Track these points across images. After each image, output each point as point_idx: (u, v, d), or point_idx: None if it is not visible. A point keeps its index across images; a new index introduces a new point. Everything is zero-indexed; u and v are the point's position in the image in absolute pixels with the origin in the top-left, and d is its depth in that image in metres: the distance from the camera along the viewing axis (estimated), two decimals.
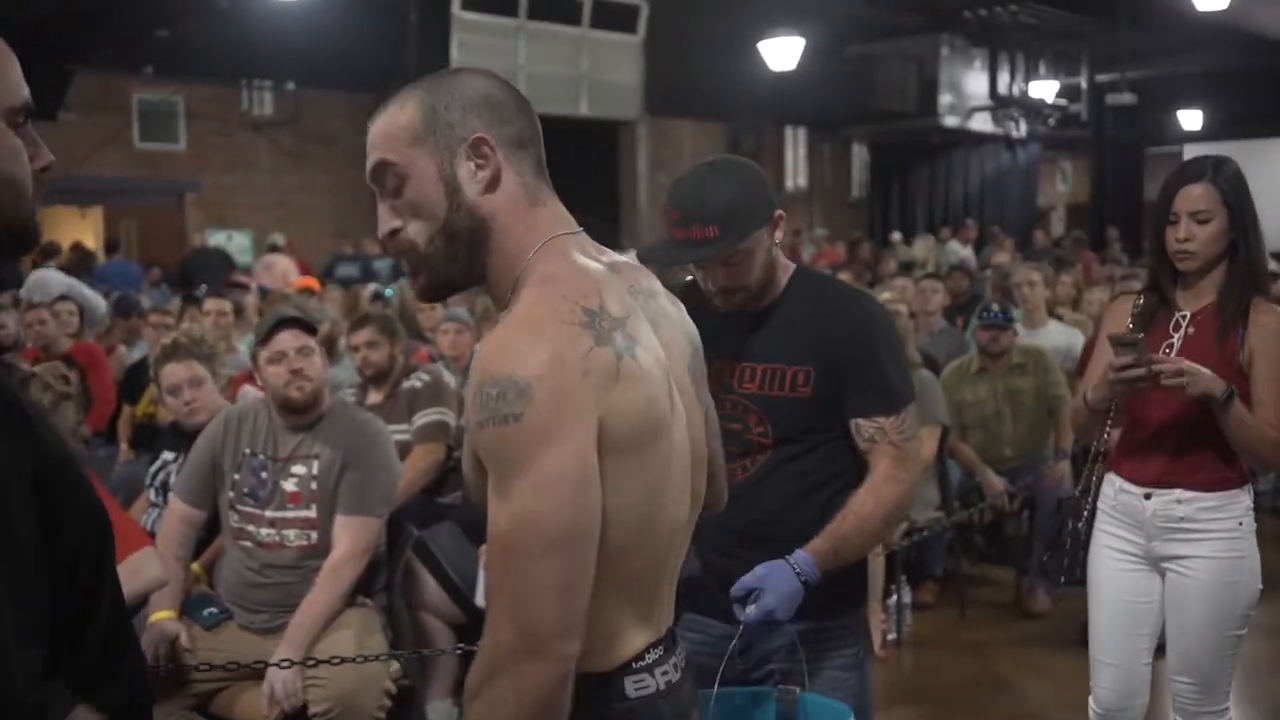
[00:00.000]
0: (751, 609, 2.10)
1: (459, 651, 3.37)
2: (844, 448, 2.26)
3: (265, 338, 3.28)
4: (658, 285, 1.62)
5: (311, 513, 3.26)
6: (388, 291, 7.92)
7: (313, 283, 8.12)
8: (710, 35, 14.85)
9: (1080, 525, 2.82)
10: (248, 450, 3.32)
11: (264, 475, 3.29)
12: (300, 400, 3.25)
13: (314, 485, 3.26)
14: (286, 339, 3.26)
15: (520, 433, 1.32)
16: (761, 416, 2.27)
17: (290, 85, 13.36)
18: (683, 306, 1.66)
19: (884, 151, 19.60)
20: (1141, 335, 2.65)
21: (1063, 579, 2.90)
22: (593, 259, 1.52)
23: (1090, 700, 2.96)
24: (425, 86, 1.51)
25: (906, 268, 9.23)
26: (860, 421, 2.23)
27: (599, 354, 1.37)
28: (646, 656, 1.52)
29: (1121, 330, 2.73)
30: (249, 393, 4.91)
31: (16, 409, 1.08)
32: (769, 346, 2.27)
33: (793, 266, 2.36)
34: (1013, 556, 5.70)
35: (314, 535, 3.25)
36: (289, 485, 3.27)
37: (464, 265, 1.49)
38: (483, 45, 14.47)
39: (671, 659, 1.56)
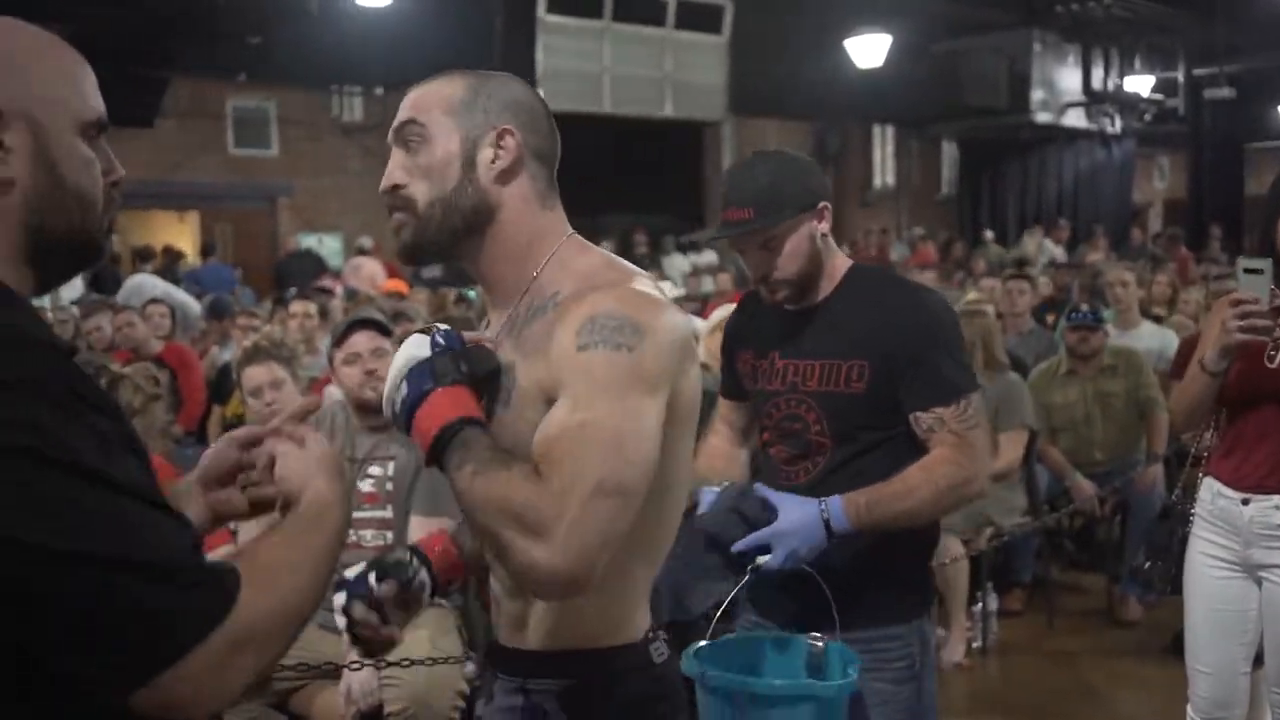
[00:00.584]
0: (773, 555, 2.06)
1: None
2: (906, 449, 2.20)
3: (340, 339, 3.30)
4: None
5: (387, 513, 3.28)
6: (471, 293, 7.97)
7: (401, 285, 8.20)
8: (795, 34, 14.73)
9: (1186, 532, 2.73)
10: None
11: None
12: (375, 401, 3.27)
13: (390, 486, 3.28)
14: (361, 340, 3.28)
15: (631, 363, 1.38)
16: (820, 414, 2.24)
17: (379, 90, 13.52)
18: None
19: (974, 149, 19.26)
20: (1269, 259, 2.52)
21: (1168, 589, 2.81)
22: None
23: (1188, 709, 2.86)
24: (476, 75, 1.57)
25: (1020, 264, 9.06)
26: (919, 414, 2.19)
27: (686, 329, 1.48)
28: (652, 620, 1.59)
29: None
30: (331, 393, 4.97)
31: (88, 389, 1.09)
32: (824, 342, 2.24)
33: (849, 263, 2.33)
34: (1103, 563, 5.55)
35: (390, 536, 3.27)
36: (365, 486, 3.29)
37: (451, 238, 1.54)
38: (567, 47, 14.52)
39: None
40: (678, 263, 13.64)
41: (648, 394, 1.38)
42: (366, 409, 3.30)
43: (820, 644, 2.00)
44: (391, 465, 3.29)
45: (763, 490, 2.14)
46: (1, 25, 1.18)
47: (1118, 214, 19.26)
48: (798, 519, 2.07)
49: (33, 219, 1.16)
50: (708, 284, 11.12)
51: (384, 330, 3.37)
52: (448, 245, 1.55)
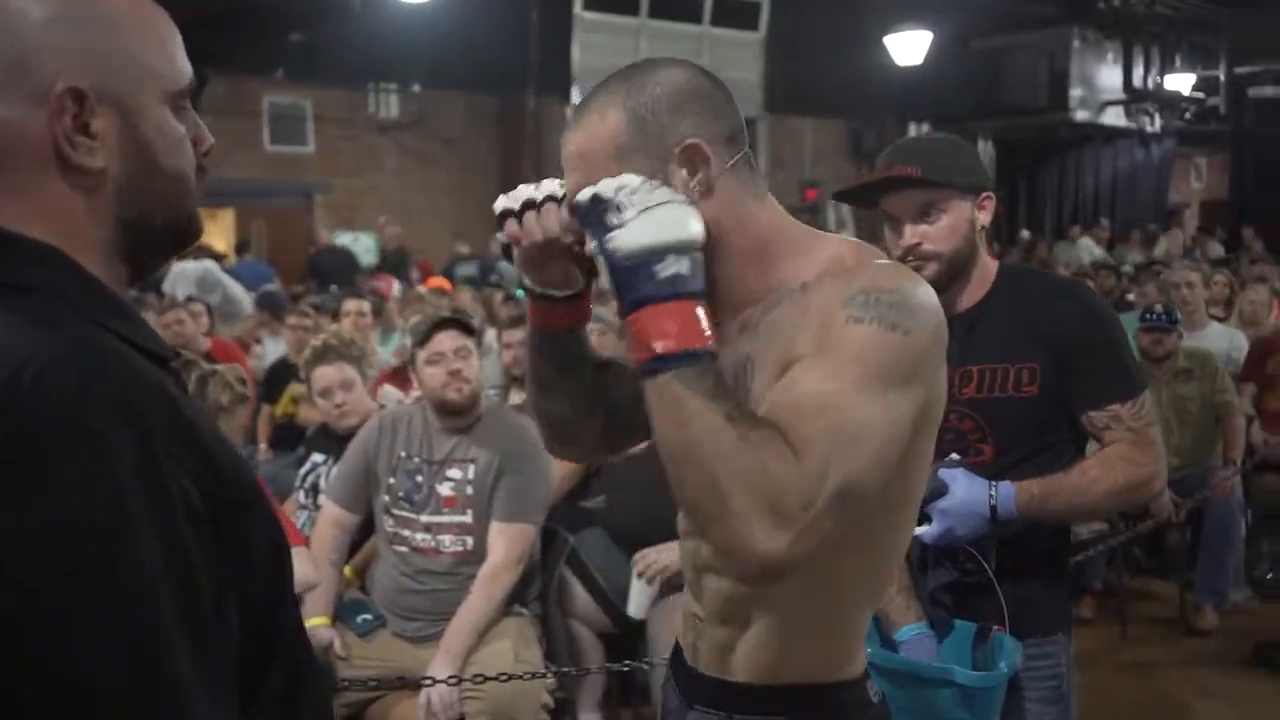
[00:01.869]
0: (931, 526, 1.98)
1: (627, 668, 3.25)
2: (1065, 455, 2.09)
3: (424, 339, 3.21)
4: None
5: (467, 518, 3.18)
6: (519, 292, 7.88)
7: (445, 283, 8.14)
8: (832, 31, 14.60)
9: None
10: (403, 453, 3.25)
11: (419, 479, 3.22)
12: (459, 402, 3.18)
13: (470, 490, 3.18)
14: (445, 340, 3.18)
15: (903, 346, 1.21)
16: (979, 423, 2.11)
17: (416, 87, 13.46)
18: None
19: (1011, 147, 19.05)
20: None
21: None
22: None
23: None
24: (624, 89, 1.33)
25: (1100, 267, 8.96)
26: (1093, 413, 2.06)
27: (945, 327, 1.30)
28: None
29: None
30: (389, 393, 4.89)
31: (180, 420, 0.94)
32: (987, 345, 2.11)
33: (997, 263, 2.21)
34: (1176, 570, 5.40)
35: (469, 541, 3.18)
36: (444, 489, 3.20)
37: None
38: (604, 45, 14.44)
39: None
40: None
41: (911, 385, 1.22)
42: (448, 409, 3.21)
43: (991, 633, 1.94)
44: (472, 469, 3.19)
45: (941, 468, 2.04)
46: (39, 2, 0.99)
47: (1154, 214, 19.05)
48: (963, 497, 1.98)
49: (128, 211, 1.03)
50: None
51: (468, 329, 3.28)
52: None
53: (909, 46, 13.50)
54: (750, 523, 1.13)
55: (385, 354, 5.90)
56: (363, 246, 13.07)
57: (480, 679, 2.91)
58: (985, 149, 19.28)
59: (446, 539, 3.19)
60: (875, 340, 1.20)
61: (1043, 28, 16.56)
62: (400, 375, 5.20)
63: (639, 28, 14.74)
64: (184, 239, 1.10)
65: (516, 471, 3.18)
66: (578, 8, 14.16)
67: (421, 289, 6.98)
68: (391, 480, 3.25)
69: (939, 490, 1.99)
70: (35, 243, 0.98)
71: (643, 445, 1.58)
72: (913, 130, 17.98)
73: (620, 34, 14.59)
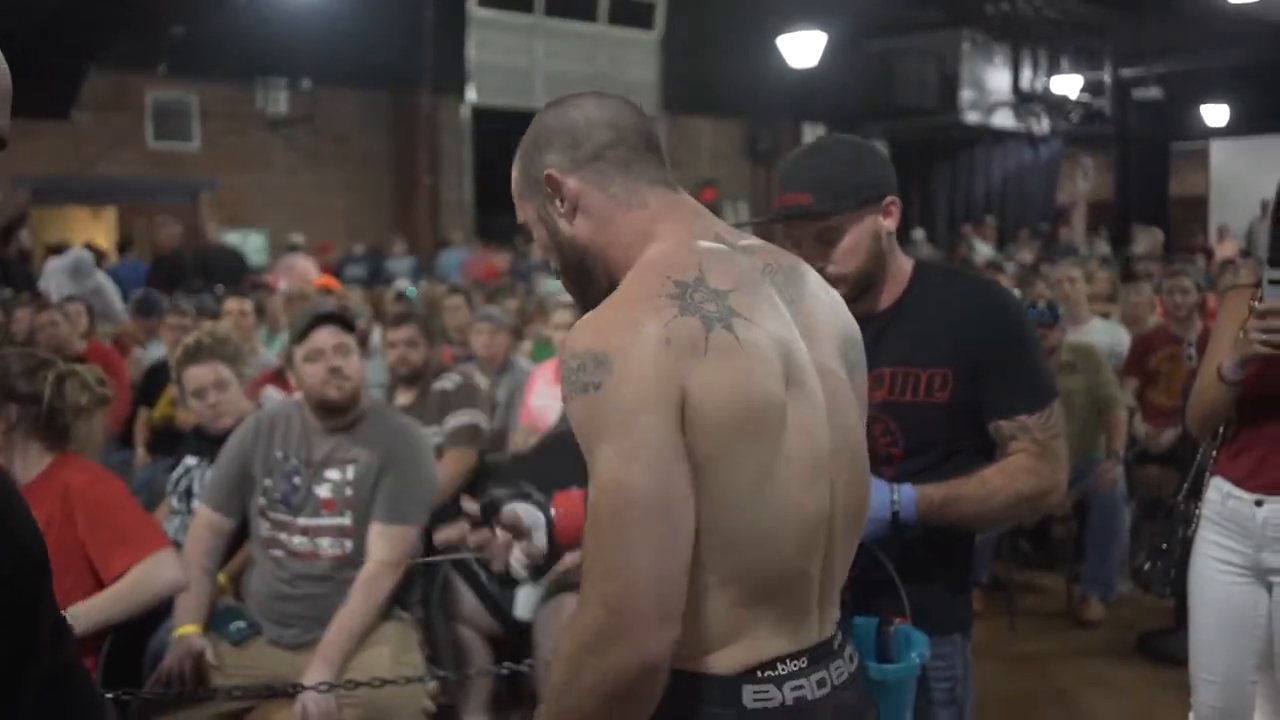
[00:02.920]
0: None
1: (506, 671, 3.16)
2: (976, 462, 2.04)
3: (302, 335, 3.09)
4: (805, 268, 1.57)
5: (346, 520, 3.08)
6: (410, 291, 7.75)
7: (332, 282, 7.97)
8: (727, 31, 14.68)
9: (1190, 533, 2.62)
10: (280, 454, 3.14)
11: (297, 481, 3.10)
12: (339, 400, 3.07)
13: (349, 491, 3.08)
14: (324, 336, 3.07)
15: (601, 401, 1.30)
16: (889, 425, 2.06)
17: (305, 83, 13.18)
18: (837, 295, 1.63)
19: (904, 148, 19.32)
20: None
21: (1168, 590, 2.70)
22: (715, 239, 1.48)
23: (1190, 717, 2.76)
24: (530, 132, 1.57)
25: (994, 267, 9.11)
26: (1001, 423, 2.02)
27: (682, 322, 1.33)
28: (779, 667, 1.42)
29: (1239, 325, 2.48)
30: (270, 394, 4.74)
31: None
32: (899, 348, 2.05)
33: (913, 262, 2.15)
34: (1062, 562, 5.49)
35: (349, 544, 3.07)
36: (323, 491, 3.09)
37: (592, 289, 1.52)
38: (499, 43, 14.34)
39: (818, 674, 1.45)
40: None
41: (640, 411, 1.29)
42: (327, 408, 3.10)
43: (891, 626, 1.90)
44: (351, 469, 3.08)
45: None
46: None
47: (1043, 213, 19.51)
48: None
49: None
50: None
51: (348, 326, 3.17)
52: (598, 297, 1.46)
53: (803, 47, 13.58)
54: (580, 625, 1.31)
55: (269, 354, 5.73)
56: (253, 245, 12.77)
57: (354, 685, 2.81)
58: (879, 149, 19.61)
59: (325, 542, 3.08)
60: (583, 408, 1.32)
61: (933, 31, 16.83)
62: (283, 376, 5.06)
63: (533, 26, 14.66)
64: None
65: (398, 472, 3.08)
66: (471, 5, 14.03)
67: (307, 288, 6.81)
68: (268, 482, 3.13)
69: None
70: None
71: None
72: (808, 131, 18.20)
73: (515, 31, 14.50)
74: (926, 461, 2.04)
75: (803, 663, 1.43)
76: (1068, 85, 18.20)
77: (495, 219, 13.49)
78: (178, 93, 12.77)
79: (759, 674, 1.40)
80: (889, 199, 2.05)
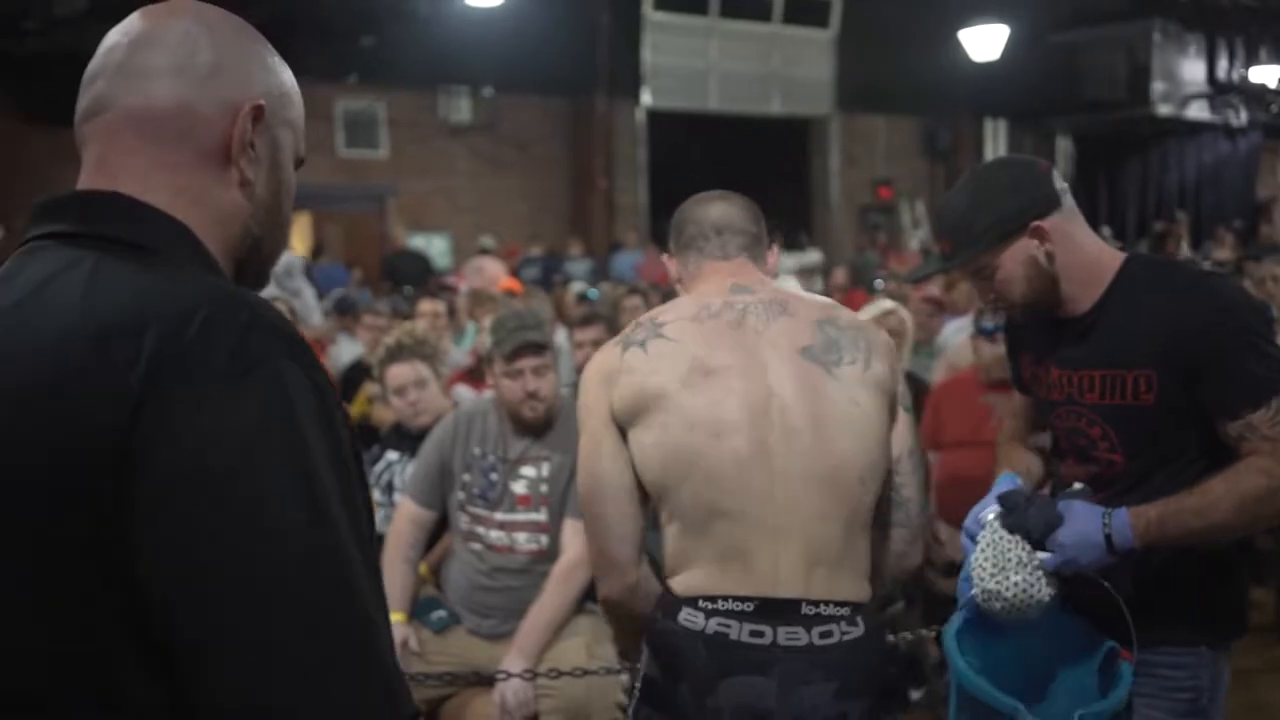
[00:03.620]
0: (1050, 554, 1.90)
1: None
2: (1197, 469, 1.96)
3: (511, 356, 3.14)
4: (792, 303, 2.04)
5: (541, 516, 3.15)
6: (591, 292, 7.85)
7: (516, 284, 8.14)
8: (904, 27, 14.40)
9: None
10: (477, 451, 3.23)
11: (494, 476, 3.19)
12: (532, 420, 3.15)
13: (544, 488, 3.15)
14: (526, 360, 3.11)
15: (578, 410, 2.04)
16: (1105, 430, 2.02)
17: (486, 90, 13.49)
18: (817, 314, 2.02)
19: (1090, 143, 18.69)
20: None
21: None
22: (727, 290, 2.04)
23: None
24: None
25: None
26: (1228, 425, 1.93)
27: (609, 355, 2.01)
28: (719, 603, 1.82)
29: None
30: (462, 392, 4.87)
31: (329, 397, 1.01)
32: (1104, 350, 2.01)
33: (1120, 258, 2.07)
34: (1273, 575, 5.22)
35: (543, 539, 3.14)
36: (518, 487, 3.16)
37: None
38: (674, 46, 14.41)
39: (758, 625, 1.79)
40: (784, 262, 13.42)
41: (584, 429, 2.00)
42: (520, 421, 3.19)
43: (1121, 656, 1.89)
44: (546, 466, 3.15)
45: (1062, 498, 1.97)
46: (252, 31, 1.18)
47: (1240, 209, 18.56)
48: (1078, 528, 1.89)
49: (256, 230, 1.15)
50: (817, 283, 10.90)
51: (546, 350, 3.21)
52: None
53: (984, 41, 13.26)
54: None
55: (458, 354, 5.89)
56: (436, 249, 13.14)
57: (555, 674, 2.87)
58: (1064, 145, 18.97)
59: (521, 537, 3.15)
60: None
61: (1121, 21, 16.19)
62: (474, 375, 5.19)
63: (709, 28, 14.68)
64: (262, 279, 1.22)
65: None
66: (647, 8, 14.12)
67: (494, 290, 6.98)
68: (466, 477, 3.23)
69: (1053, 523, 1.91)
70: (171, 218, 1.07)
71: None
72: (988, 127, 17.76)
73: (690, 34, 14.54)
74: (1151, 463, 1.99)
75: (747, 607, 1.80)
76: (1266, 75, 17.28)
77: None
78: (366, 102, 13.24)
79: (699, 602, 1.83)
80: (1034, 223, 2.00)
